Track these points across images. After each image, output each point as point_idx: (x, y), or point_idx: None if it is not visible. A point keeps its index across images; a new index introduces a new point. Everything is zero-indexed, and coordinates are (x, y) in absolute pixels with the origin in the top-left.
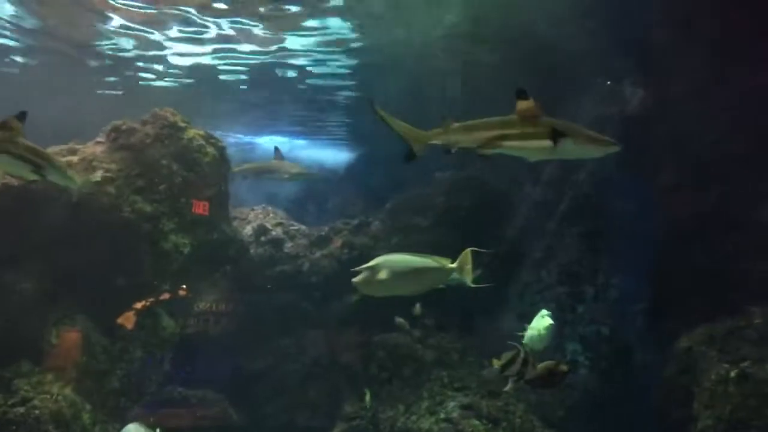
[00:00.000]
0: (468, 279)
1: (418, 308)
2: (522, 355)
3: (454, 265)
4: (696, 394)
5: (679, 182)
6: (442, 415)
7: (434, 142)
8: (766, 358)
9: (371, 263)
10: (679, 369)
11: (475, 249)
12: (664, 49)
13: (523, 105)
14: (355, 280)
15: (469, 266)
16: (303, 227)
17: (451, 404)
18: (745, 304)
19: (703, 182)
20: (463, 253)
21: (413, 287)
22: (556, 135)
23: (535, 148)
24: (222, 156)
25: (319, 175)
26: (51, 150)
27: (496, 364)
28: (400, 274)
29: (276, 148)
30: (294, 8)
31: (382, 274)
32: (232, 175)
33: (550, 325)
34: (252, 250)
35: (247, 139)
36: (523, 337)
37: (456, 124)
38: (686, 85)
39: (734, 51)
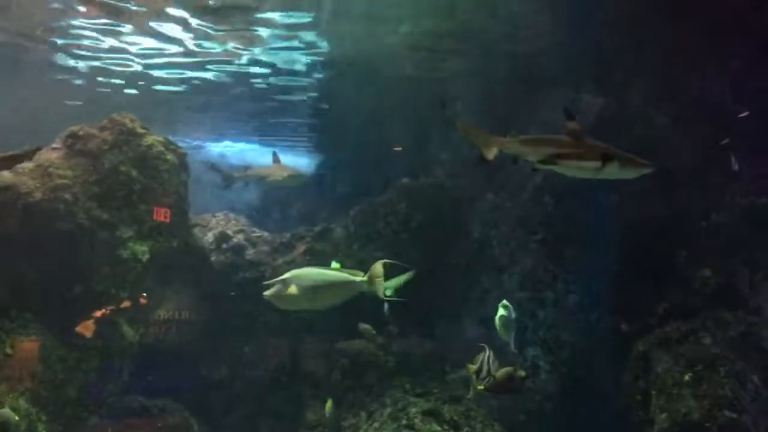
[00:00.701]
0: (379, 292)
1: (387, 308)
2: (487, 353)
3: (364, 278)
4: (652, 397)
5: (637, 190)
6: (404, 422)
7: (504, 150)
8: (719, 360)
9: (282, 277)
10: (636, 373)
11: (389, 261)
12: (621, 59)
13: (570, 126)
14: (266, 294)
15: (380, 279)
16: (265, 234)
17: (413, 410)
18: (699, 308)
19: (660, 190)
20: (374, 265)
21: (325, 301)
22: (606, 157)
23: (585, 167)
24: (182, 163)
25: (307, 179)
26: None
27: (471, 370)
28: (311, 288)
29: (274, 153)
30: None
31: (293, 289)
32: (231, 181)
33: (501, 315)
34: (213, 258)
35: (196, 143)
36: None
37: (523, 137)
38: (642, 95)
39: (687, 63)
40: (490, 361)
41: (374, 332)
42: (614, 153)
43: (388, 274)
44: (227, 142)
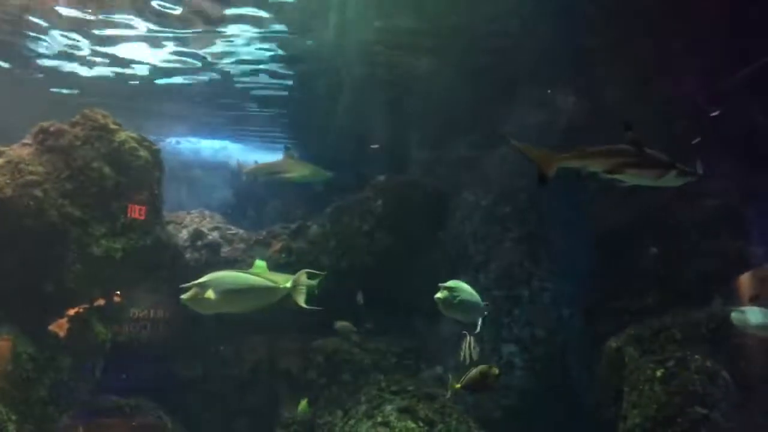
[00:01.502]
0: (300, 300)
1: (360, 297)
2: (468, 339)
3: (287, 285)
4: (625, 394)
5: (611, 188)
6: (379, 419)
7: (565, 165)
8: (690, 357)
9: (200, 280)
10: (609, 369)
11: (310, 271)
12: (596, 58)
13: (633, 136)
14: (183, 297)
15: (303, 287)
16: (240, 231)
17: (388, 407)
18: (670, 306)
19: (632, 189)
20: (298, 273)
21: (244, 305)
22: (667, 167)
23: (647, 176)
24: (155, 159)
25: (331, 176)
26: None
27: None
28: (230, 293)
29: (287, 147)
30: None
31: (210, 293)
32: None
33: (438, 298)
34: (188, 255)
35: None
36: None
37: (584, 150)
38: (617, 93)
39: (661, 63)
40: (472, 347)
41: (354, 329)
42: (672, 163)
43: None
44: (198, 139)
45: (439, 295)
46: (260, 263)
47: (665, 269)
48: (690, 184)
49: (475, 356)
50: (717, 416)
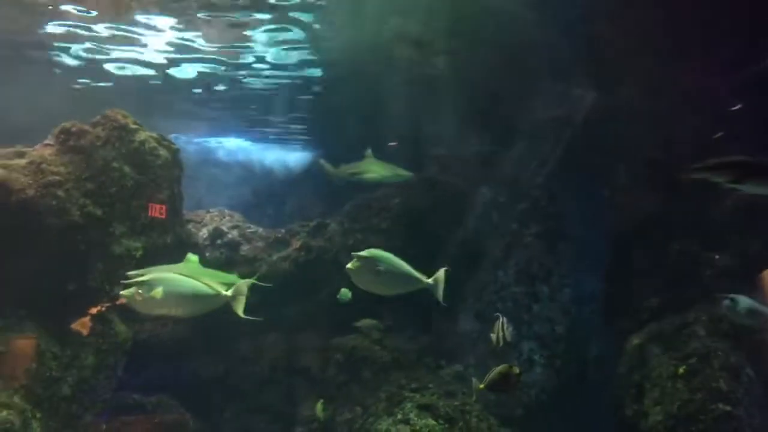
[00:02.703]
0: (239, 309)
1: (346, 292)
2: (501, 320)
3: (227, 293)
4: (647, 390)
5: (631, 183)
6: (399, 416)
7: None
8: (713, 353)
9: (144, 278)
10: (630, 366)
11: (253, 281)
12: (614, 51)
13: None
14: (123, 293)
15: (243, 296)
16: (260, 229)
17: (409, 405)
18: (693, 302)
19: (654, 183)
20: (240, 282)
21: (182, 310)
22: None
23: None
24: (175, 158)
25: (411, 175)
26: None
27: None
28: (171, 296)
29: (368, 148)
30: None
31: (158, 291)
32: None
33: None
34: (208, 254)
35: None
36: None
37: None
38: (636, 87)
39: (680, 56)
40: (505, 327)
41: (380, 326)
42: None
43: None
44: (219, 139)
45: (349, 265)
46: (192, 258)
47: (688, 265)
48: (710, 182)
49: (508, 337)
50: (741, 413)
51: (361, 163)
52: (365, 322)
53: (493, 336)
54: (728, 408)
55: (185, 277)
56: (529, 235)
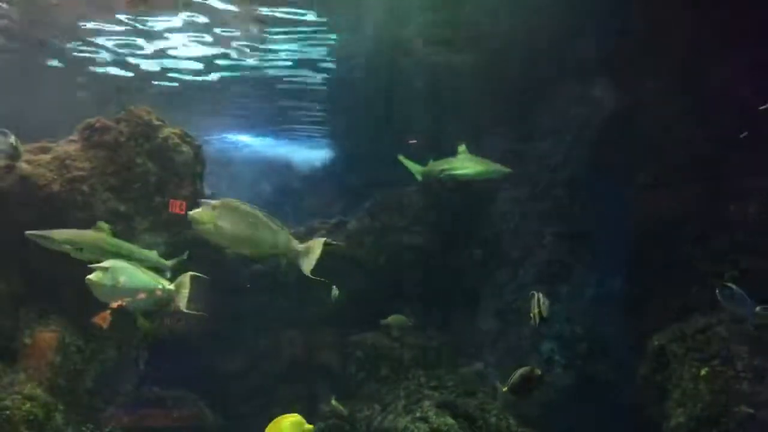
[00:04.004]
0: (182, 304)
1: (335, 291)
2: (537, 296)
3: (171, 287)
4: (669, 392)
5: (654, 182)
6: (418, 414)
7: None
8: (736, 355)
9: (104, 264)
10: (652, 367)
11: (195, 274)
12: (637, 50)
13: None
14: (89, 277)
15: (185, 290)
16: None
17: (427, 403)
18: (715, 303)
19: (677, 182)
20: (181, 276)
21: (129, 301)
22: None
23: None
24: (197, 155)
25: (508, 171)
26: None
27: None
28: (124, 285)
29: (460, 143)
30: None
31: (121, 279)
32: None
33: None
34: (228, 249)
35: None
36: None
37: None
38: (659, 86)
39: (704, 54)
40: (541, 303)
41: (409, 322)
42: None
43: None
44: (239, 136)
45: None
46: (103, 225)
47: (711, 265)
48: (735, 181)
49: (545, 312)
50: (764, 415)
51: (454, 160)
52: (394, 319)
53: (531, 315)
54: (751, 410)
55: (138, 270)
56: (550, 235)
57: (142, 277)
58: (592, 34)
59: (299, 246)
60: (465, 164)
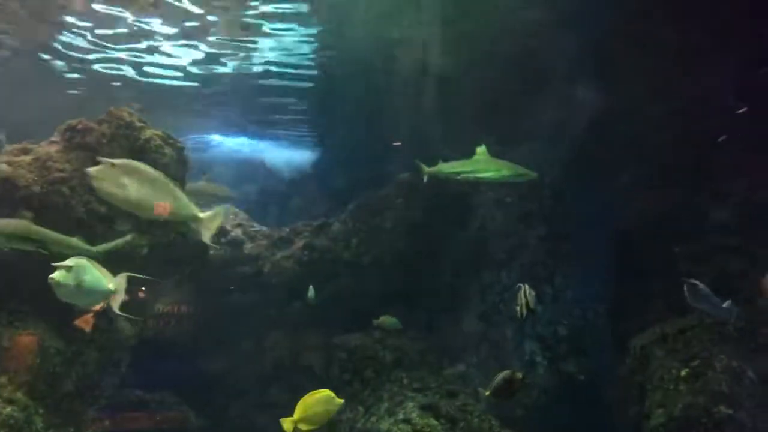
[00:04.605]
0: (115, 306)
1: (311, 292)
2: (524, 288)
3: (111, 288)
4: (649, 392)
5: (635, 186)
6: (401, 416)
7: None
8: (716, 356)
9: (68, 263)
10: (633, 368)
11: (132, 274)
12: (620, 53)
13: None
14: (55, 275)
15: (122, 289)
16: (263, 228)
17: (411, 404)
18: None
19: (659, 184)
20: (119, 276)
21: (82, 300)
22: None
23: None
24: (180, 157)
25: (534, 176)
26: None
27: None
28: (88, 285)
29: (482, 143)
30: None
31: (82, 281)
32: None
33: None
34: (211, 252)
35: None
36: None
37: None
38: (641, 89)
39: (685, 58)
40: (527, 295)
41: (400, 326)
42: None
43: None
44: (224, 137)
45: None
46: (25, 213)
47: (691, 267)
48: (716, 183)
49: (532, 304)
50: (742, 416)
51: (473, 161)
52: (385, 320)
53: (518, 308)
54: (730, 411)
55: (93, 268)
56: (533, 237)
57: (101, 276)
58: (574, 36)
59: (202, 214)
60: (487, 167)
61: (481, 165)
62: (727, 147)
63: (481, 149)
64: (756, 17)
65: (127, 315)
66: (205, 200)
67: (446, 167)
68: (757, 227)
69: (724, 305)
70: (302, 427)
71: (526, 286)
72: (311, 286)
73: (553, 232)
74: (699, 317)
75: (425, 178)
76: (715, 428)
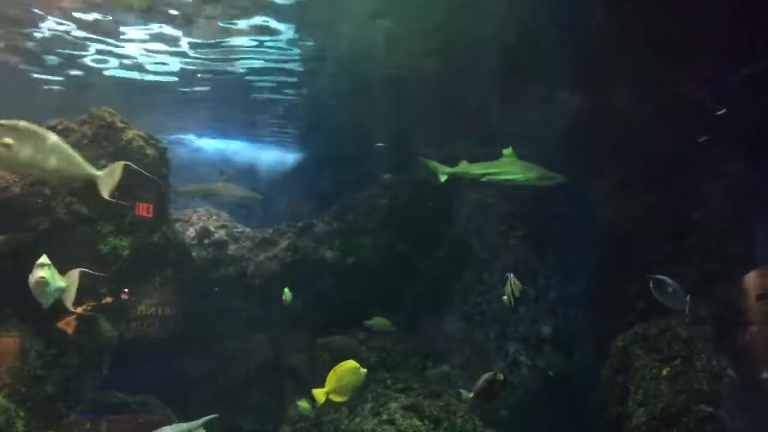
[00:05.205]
0: (68, 301)
1: (287, 294)
2: (510, 277)
3: (63, 284)
4: (630, 392)
5: (618, 186)
6: (385, 416)
7: None
8: (696, 356)
9: (42, 261)
10: (615, 367)
11: (85, 270)
12: (602, 54)
13: None
14: (41, 276)
15: (74, 287)
16: (247, 229)
17: (394, 405)
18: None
19: (641, 185)
20: (70, 272)
21: (41, 296)
22: None
23: None
24: (162, 157)
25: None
26: None
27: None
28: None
29: (509, 146)
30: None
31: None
32: None
33: None
34: (195, 253)
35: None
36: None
37: None
38: (624, 90)
39: (666, 59)
40: (512, 283)
41: (393, 327)
42: None
43: None
44: (208, 139)
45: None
46: None
47: (673, 267)
48: (698, 184)
49: (517, 293)
50: (723, 414)
51: (499, 163)
52: (377, 321)
53: (506, 298)
54: (711, 409)
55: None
56: (515, 237)
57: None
58: (555, 38)
59: (98, 171)
60: (514, 169)
61: (509, 167)
62: (708, 148)
63: (507, 151)
64: (736, 18)
65: (79, 312)
66: (231, 202)
67: (471, 167)
68: (736, 228)
69: (685, 298)
70: (333, 397)
71: (512, 275)
72: (286, 289)
73: (535, 232)
74: (679, 317)
75: (443, 178)
76: (696, 427)
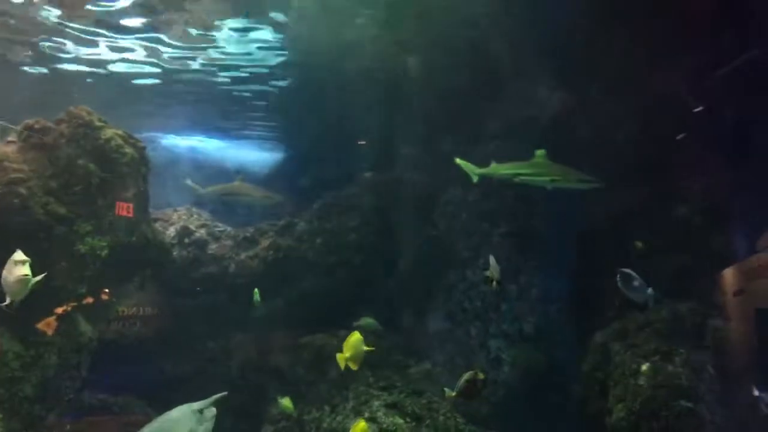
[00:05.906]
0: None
1: (256, 296)
2: (491, 260)
3: (33, 279)
4: (610, 388)
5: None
6: (367, 415)
7: None
8: (675, 351)
9: (18, 258)
10: (594, 364)
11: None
12: (581, 52)
13: None
14: (25, 272)
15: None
16: (228, 228)
17: (376, 403)
18: (656, 300)
19: (620, 183)
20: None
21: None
22: None
23: None
24: (141, 156)
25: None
26: None
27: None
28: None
29: (542, 149)
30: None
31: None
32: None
33: None
34: (175, 252)
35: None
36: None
37: None
38: (602, 87)
39: (644, 58)
40: (493, 267)
41: (380, 327)
42: None
43: None
44: (188, 137)
45: (27, 272)
46: None
47: (650, 264)
48: (676, 182)
49: (496, 275)
50: (702, 409)
51: (532, 164)
52: (365, 322)
53: (494, 283)
54: (690, 404)
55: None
56: (497, 235)
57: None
58: (536, 38)
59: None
60: (549, 171)
61: (543, 168)
62: (686, 146)
63: (540, 152)
64: (714, 17)
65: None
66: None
67: (503, 168)
68: (714, 225)
69: (649, 293)
70: (350, 364)
71: (492, 259)
72: (256, 289)
73: (517, 230)
74: (657, 313)
75: (475, 179)
76: (676, 422)
